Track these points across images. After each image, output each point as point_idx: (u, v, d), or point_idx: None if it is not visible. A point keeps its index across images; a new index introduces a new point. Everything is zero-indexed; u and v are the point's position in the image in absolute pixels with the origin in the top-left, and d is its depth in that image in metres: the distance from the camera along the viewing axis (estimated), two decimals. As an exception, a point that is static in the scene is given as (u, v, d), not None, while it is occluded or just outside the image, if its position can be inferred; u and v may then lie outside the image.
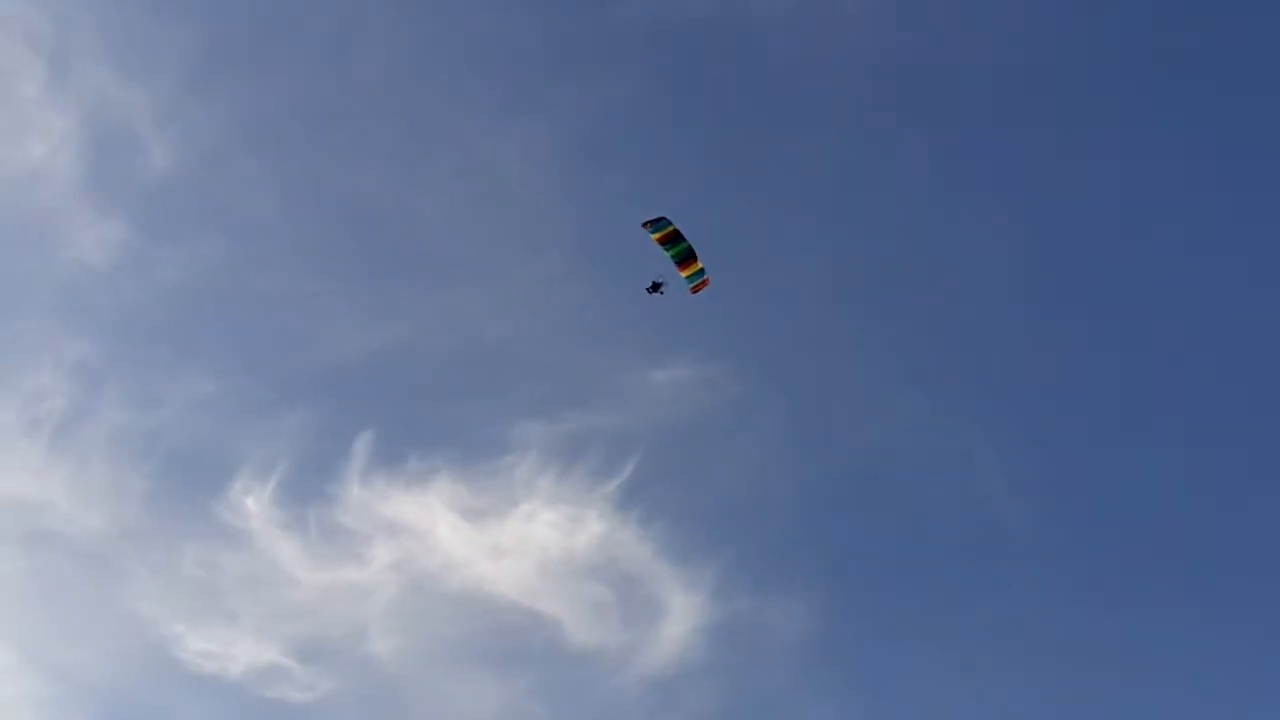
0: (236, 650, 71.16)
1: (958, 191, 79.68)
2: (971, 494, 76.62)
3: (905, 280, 79.71)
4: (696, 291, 44.90)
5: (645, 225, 43.67)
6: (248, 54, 76.43)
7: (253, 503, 71.78)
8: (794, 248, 78.73)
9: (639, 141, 79.92)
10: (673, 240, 44.26)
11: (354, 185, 77.77)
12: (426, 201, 78.02)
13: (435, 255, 78.31)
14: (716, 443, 78.96)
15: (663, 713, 75.21)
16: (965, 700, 73.64)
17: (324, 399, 76.32)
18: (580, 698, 75.06)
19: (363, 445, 73.42)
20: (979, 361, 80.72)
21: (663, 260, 44.61)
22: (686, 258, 44.55)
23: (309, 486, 73.40)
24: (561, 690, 75.10)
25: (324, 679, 71.78)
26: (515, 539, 74.21)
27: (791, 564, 77.05)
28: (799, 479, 78.52)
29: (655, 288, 46.86)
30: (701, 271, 44.62)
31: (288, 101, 77.48)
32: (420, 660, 74.23)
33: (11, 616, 71.75)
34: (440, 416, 77.70)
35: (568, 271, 77.92)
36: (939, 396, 79.00)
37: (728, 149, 78.12)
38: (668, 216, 43.63)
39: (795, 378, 79.14)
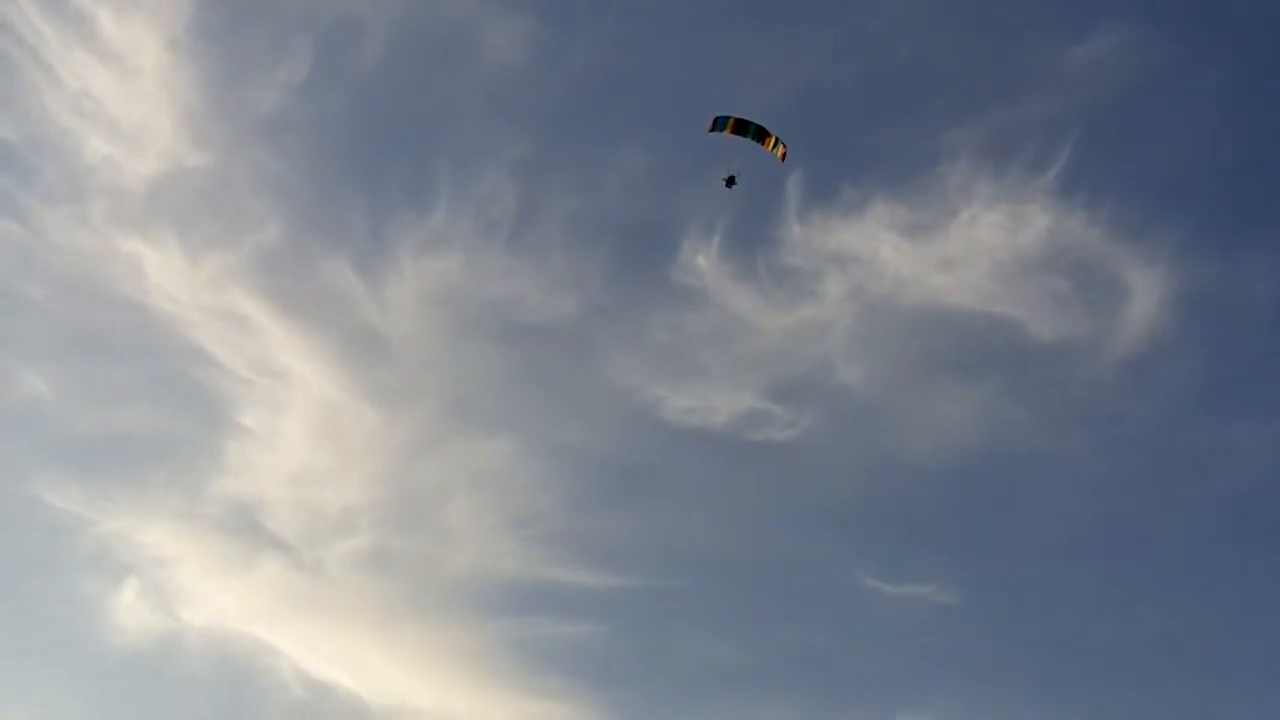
0: (716, 402, 74.32)
1: None
2: None
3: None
4: (784, 158, 48.59)
5: (711, 129, 47.98)
6: None
7: (703, 261, 73.94)
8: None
9: None
10: (741, 128, 48.16)
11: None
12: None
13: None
14: (1154, 108, 75.28)
15: (1141, 394, 74.44)
16: None
17: (746, 148, 76.36)
18: (1053, 393, 75.16)
19: (794, 185, 73.76)
20: None
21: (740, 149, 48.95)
22: (760, 135, 48.37)
23: (751, 235, 74.54)
24: (1033, 388, 75.43)
25: (802, 415, 74.35)
26: (961, 248, 73.40)
27: (1258, 218, 73.53)
28: (1253, 130, 74.11)
29: (730, 181, 51.17)
30: (778, 140, 48.31)
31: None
32: (889, 382, 75.88)
33: (509, 407, 76.90)
34: (863, 142, 77.40)
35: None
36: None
37: None
38: (723, 115, 47.91)
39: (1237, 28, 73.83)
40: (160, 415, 72.99)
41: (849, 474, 75.42)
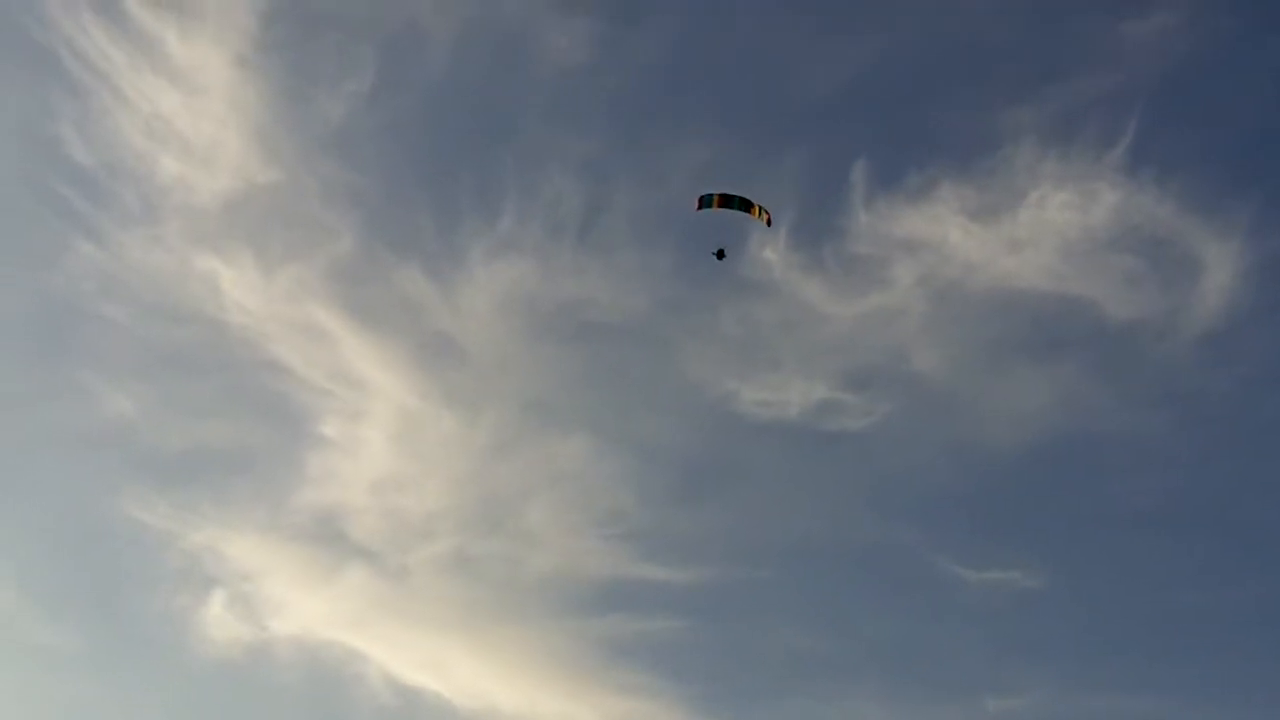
0: (789, 394, 74.29)
1: None
2: None
3: None
4: (770, 223, 50.51)
5: (699, 208, 49.91)
6: None
7: (770, 253, 73.78)
8: None
9: None
10: (726, 201, 49.70)
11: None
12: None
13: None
14: (1219, 80, 74.48)
15: (1219, 369, 73.75)
16: None
17: (810, 137, 77.52)
18: (1130, 371, 74.61)
19: (859, 173, 73.88)
20: None
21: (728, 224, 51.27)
22: (745, 205, 50.01)
23: (818, 225, 74.68)
24: (1110, 368, 74.87)
25: (876, 404, 74.26)
26: (1030, 229, 72.90)
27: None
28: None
29: (720, 254, 52.43)
30: (761, 209, 50.05)
31: None
32: (964, 367, 75.62)
33: (584, 406, 77.48)
34: (927, 126, 77.07)
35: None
36: None
37: None
38: (707, 193, 49.75)
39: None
40: (241, 428, 74.24)
41: (926, 461, 75.35)
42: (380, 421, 74.12)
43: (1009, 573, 71.20)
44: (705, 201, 50.37)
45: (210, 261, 73.11)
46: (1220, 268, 71.59)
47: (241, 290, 73.32)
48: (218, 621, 68.01)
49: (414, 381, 75.18)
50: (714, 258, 53.46)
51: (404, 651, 69.09)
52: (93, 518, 71.38)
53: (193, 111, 72.54)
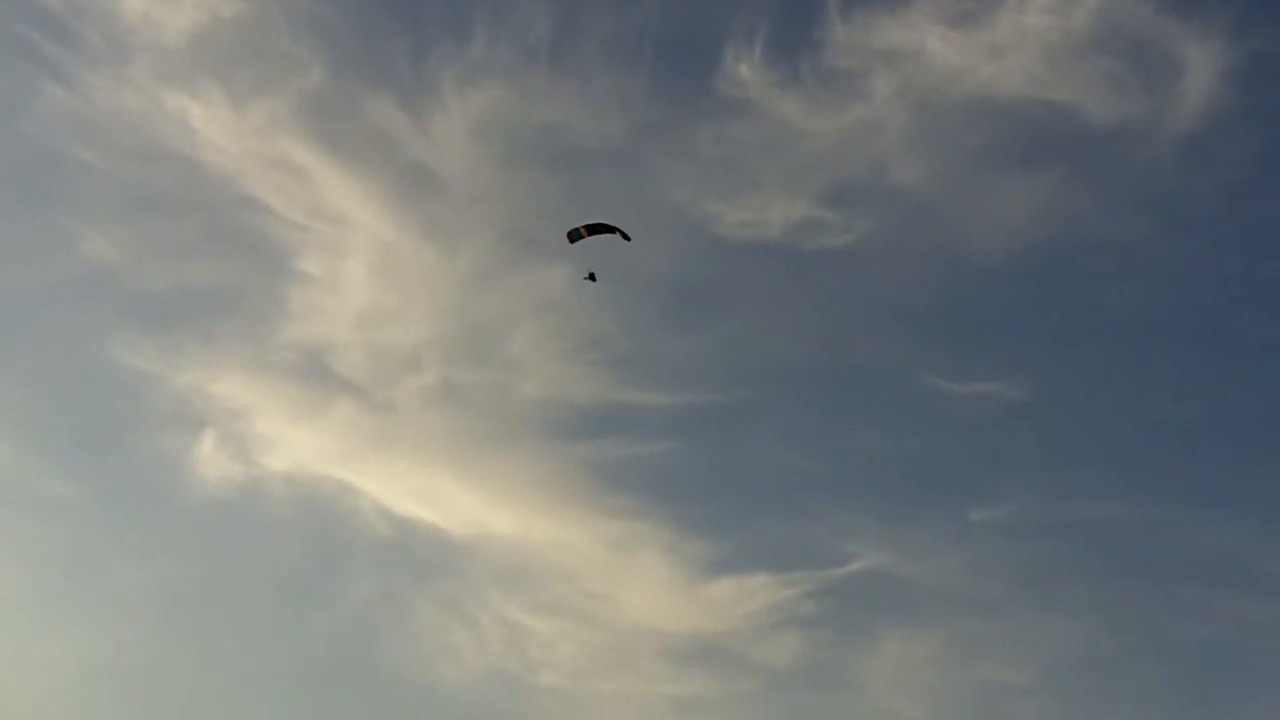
0: (770, 214, 74.00)
1: None
2: None
3: None
4: (629, 238, 52.79)
5: (570, 240, 52.54)
6: None
7: (746, 70, 72.85)
8: None
9: None
10: (593, 230, 52.29)
11: None
12: None
13: None
14: None
15: (1203, 171, 73.25)
16: None
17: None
18: (1114, 177, 74.24)
19: (835, -16, 72.71)
20: None
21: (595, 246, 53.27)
22: (608, 229, 52.47)
23: (794, 40, 73.68)
24: (1093, 174, 74.52)
25: (858, 219, 73.96)
26: (1010, 34, 71.64)
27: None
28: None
29: (591, 276, 53.94)
30: (624, 233, 52.64)
31: None
32: (945, 179, 75.20)
33: (564, 230, 76.35)
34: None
35: None
36: None
37: None
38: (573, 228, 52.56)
39: None
40: (222, 268, 73.96)
41: (909, 275, 75.49)
42: (360, 255, 74.11)
43: (992, 384, 71.78)
44: (575, 235, 52.48)
45: (180, 99, 72.26)
46: (1203, 68, 70.78)
47: (213, 128, 72.66)
48: (210, 461, 68.52)
49: (392, 214, 75.00)
50: (588, 279, 54.53)
51: (396, 483, 69.81)
52: (80, 364, 71.61)
53: (154, -54, 71.09)
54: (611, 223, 52.58)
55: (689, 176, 74.83)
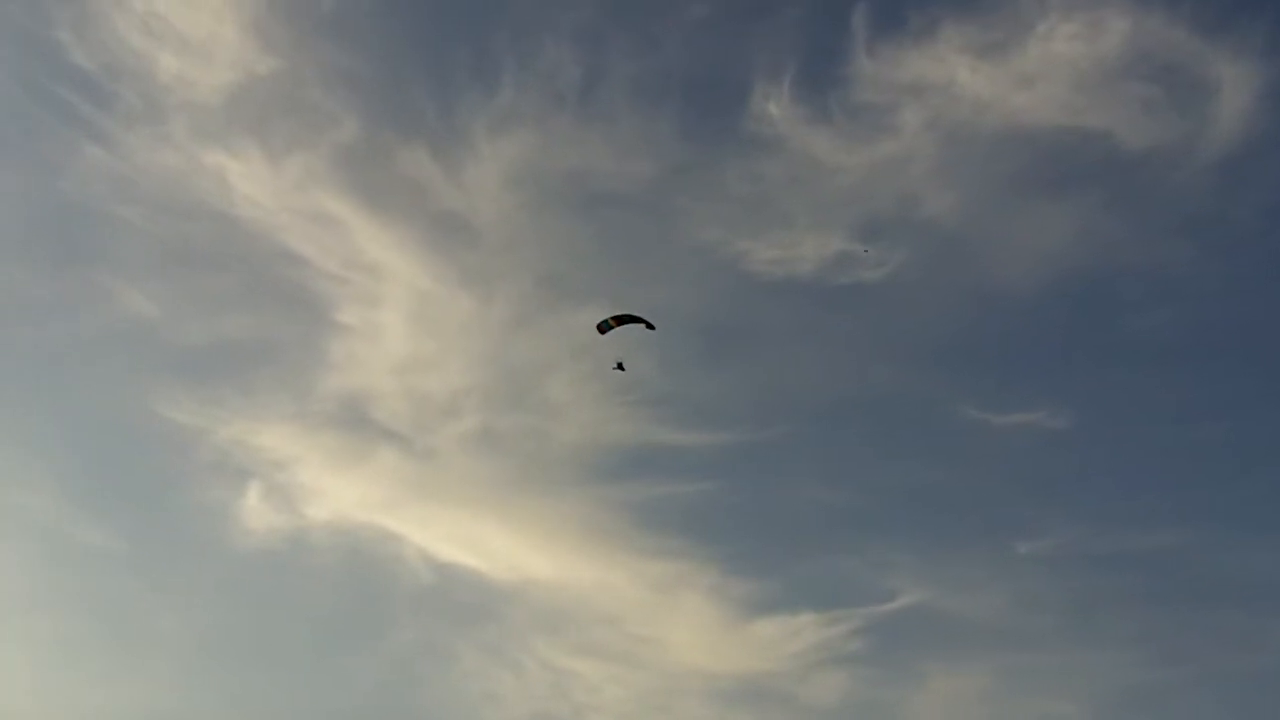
0: (801, 250, 74.03)
1: None
2: None
3: None
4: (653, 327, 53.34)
5: (600, 331, 53.18)
6: None
7: (774, 107, 73.15)
8: None
9: None
10: (621, 320, 52.96)
11: None
12: None
13: None
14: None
15: (1238, 194, 72.69)
16: None
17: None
18: (1148, 202, 73.81)
19: (860, 18, 73.05)
20: None
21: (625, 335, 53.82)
22: (635, 319, 53.24)
23: (822, 75, 74.22)
24: (1127, 200, 74.04)
25: (891, 253, 73.88)
26: (1039, 62, 71.63)
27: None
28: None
29: (620, 366, 54.86)
30: (649, 323, 53.30)
31: None
32: (978, 210, 75.04)
33: (597, 276, 77.64)
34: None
35: None
36: None
37: None
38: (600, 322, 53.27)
39: None
40: (261, 320, 74.91)
41: (944, 307, 75.30)
42: (397, 304, 74.85)
43: (1033, 414, 71.28)
44: (605, 326, 53.22)
45: (217, 156, 73.54)
46: (1236, 89, 70.34)
47: (250, 183, 73.71)
48: (255, 512, 69.10)
49: (428, 262, 75.72)
50: (617, 369, 55.40)
51: (437, 529, 70.22)
52: (123, 419, 72.39)
53: (188, 6, 72.68)
54: (638, 313, 53.38)
55: (719, 216, 75.25)
